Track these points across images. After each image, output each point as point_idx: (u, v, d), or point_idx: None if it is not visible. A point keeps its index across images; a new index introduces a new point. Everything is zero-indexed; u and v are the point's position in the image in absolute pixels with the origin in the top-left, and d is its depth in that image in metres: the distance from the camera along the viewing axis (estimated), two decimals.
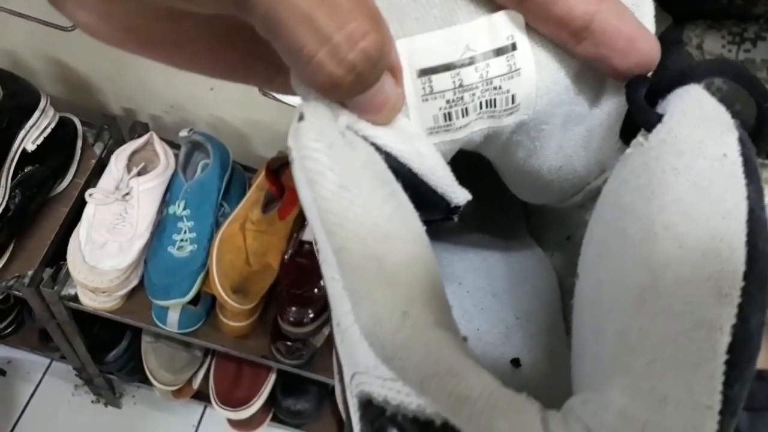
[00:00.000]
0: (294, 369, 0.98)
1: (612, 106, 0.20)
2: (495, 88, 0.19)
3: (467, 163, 0.23)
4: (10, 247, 0.92)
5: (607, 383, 0.15)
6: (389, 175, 0.18)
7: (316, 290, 0.90)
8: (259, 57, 0.20)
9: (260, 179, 0.97)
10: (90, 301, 0.93)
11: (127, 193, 0.93)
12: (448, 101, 0.19)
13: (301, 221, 0.98)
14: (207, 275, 0.91)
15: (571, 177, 0.23)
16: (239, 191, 0.99)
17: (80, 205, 0.95)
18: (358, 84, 0.16)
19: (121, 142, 0.99)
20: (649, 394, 0.14)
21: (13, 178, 0.90)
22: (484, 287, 0.29)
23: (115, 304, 0.94)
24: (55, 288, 0.92)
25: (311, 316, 0.89)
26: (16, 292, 0.93)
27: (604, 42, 0.18)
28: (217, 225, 0.94)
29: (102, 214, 0.92)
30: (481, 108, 0.19)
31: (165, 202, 0.95)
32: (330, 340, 0.96)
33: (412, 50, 0.18)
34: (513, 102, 0.19)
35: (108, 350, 1.12)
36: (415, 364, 0.15)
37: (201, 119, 1.07)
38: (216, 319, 0.96)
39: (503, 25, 0.18)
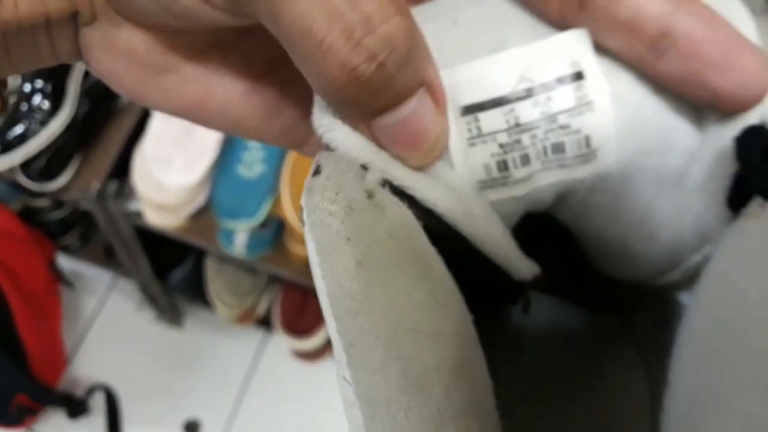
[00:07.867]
0: None
1: (717, 162, 0.16)
2: (562, 127, 0.15)
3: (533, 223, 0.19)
4: (78, 159, 0.89)
5: None
6: (427, 249, 0.15)
7: None
8: (293, 103, 0.18)
9: None
10: (155, 218, 0.90)
11: None
12: (501, 145, 0.15)
13: None
14: (277, 198, 0.86)
15: (665, 250, 0.18)
16: None
17: (145, 117, 0.91)
18: (384, 84, 0.14)
19: None
20: None
21: (81, 86, 0.87)
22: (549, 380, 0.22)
23: (180, 222, 0.91)
24: (121, 202, 0.90)
25: None
26: (85, 204, 0.91)
27: (692, 53, 0.14)
28: None
29: (168, 128, 0.88)
30: (546, 154, 0.16)
31: None
32: None
33: (453, 83, 0.15)
34: (588, 145, 0.15)
35: (171, 270, 1.11)
36: None
37: None
38: (284, 246, 0.92)
39: (566, 48, 0.15)
